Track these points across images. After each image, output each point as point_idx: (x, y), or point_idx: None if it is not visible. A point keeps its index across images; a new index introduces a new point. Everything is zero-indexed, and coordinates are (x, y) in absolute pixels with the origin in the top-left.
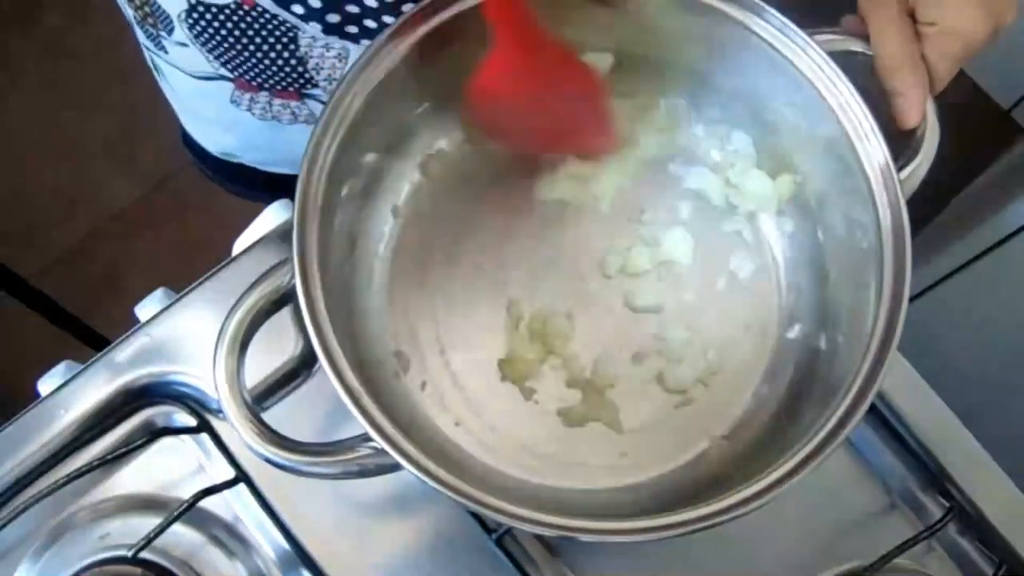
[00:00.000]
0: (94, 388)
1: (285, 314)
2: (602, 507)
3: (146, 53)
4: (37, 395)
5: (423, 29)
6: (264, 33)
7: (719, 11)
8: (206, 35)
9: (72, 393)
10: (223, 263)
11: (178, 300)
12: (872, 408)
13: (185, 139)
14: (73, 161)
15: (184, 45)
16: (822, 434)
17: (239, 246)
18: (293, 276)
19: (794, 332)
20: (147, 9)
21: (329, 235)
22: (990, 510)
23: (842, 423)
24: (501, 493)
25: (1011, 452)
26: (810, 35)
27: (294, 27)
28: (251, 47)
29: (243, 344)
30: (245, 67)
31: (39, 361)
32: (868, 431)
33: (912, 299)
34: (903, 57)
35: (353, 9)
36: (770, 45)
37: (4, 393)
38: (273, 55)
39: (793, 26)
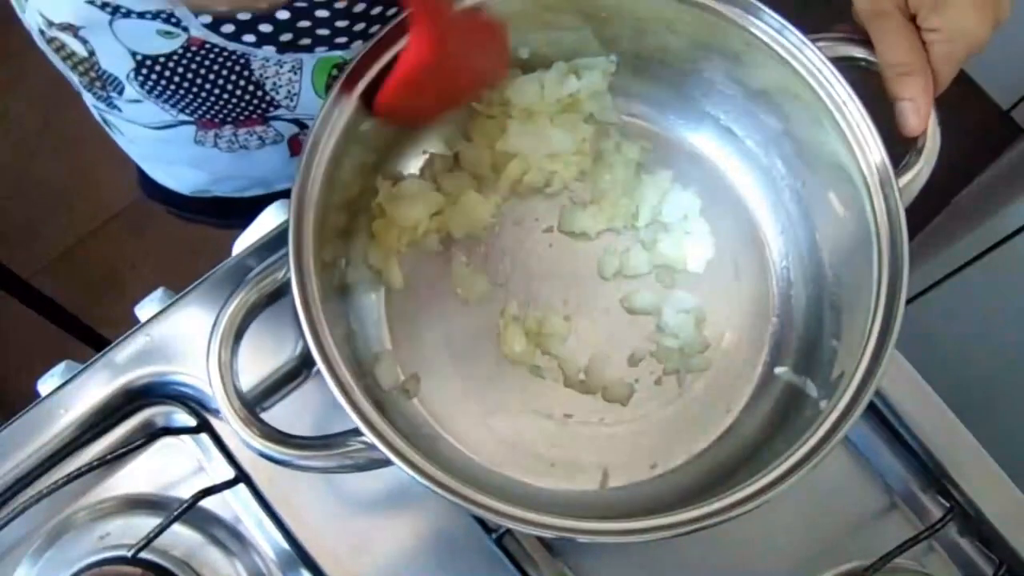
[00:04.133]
0: (94, 388)
1: (285, 315)
2: (597, 508)
3: (95, 113)
4: (37, 395)
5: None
6: (216, 68)
7: (718, 13)
8: (159, 88)
9: (72, 393)
10: (223, 263)
11: (178, 300)
12: (872, 408)
13: (146, 186)
14: (73, 161)
15: (138, 101)
16: (820, 432)
17: (239, 246)
18: (288, 271)
19: (792, 336)
20: (93, 75)
21: (325, 232)
22: (990, 510)
23: (840, 421)
24: (494, 492)
25: (1011, 452)
26: (811, 40)
27: (245, 55)
28: (206, 87)
29: (237, 335)
30: (204, 107)
31: (39, 361)
32: (868, 431)
33: (912, 299)
34: (913, 64)
35: (305, 24)
36: (768, 47)
37: (4, 393)
38: (230, 87)
39: (791, 28)
